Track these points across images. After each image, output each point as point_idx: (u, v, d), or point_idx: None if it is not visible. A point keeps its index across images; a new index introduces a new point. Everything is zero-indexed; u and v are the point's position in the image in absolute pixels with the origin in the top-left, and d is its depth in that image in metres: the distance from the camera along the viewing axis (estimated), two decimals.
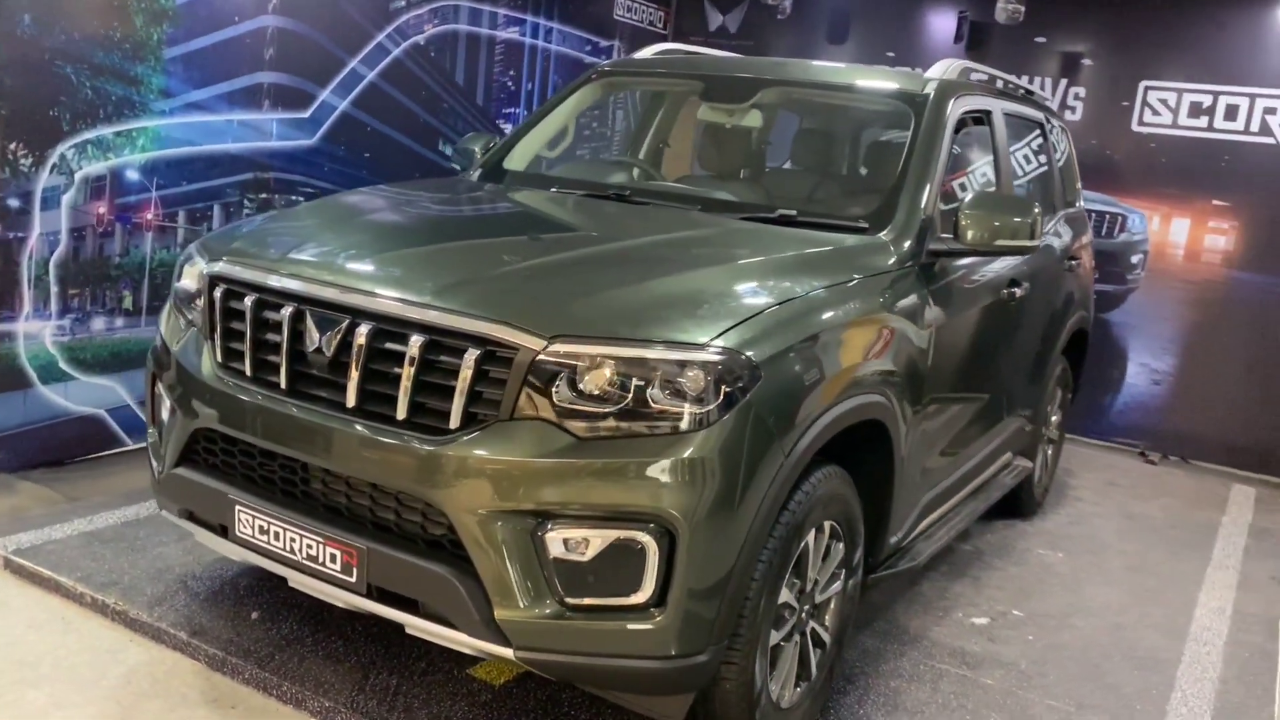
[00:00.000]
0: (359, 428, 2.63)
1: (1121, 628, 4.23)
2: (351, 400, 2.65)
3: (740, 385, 2.50)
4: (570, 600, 2.49)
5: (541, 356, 2.48)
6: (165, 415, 3.12)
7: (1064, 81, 7.38)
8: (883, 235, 3.43)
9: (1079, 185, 5.83)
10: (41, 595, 3.61)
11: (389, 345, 2.63)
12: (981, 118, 4.21)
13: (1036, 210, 3.52)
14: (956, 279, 3.74)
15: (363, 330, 2.63)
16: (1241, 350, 6.95)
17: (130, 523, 4.13)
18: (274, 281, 2.84)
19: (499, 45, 6.87)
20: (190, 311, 3.14)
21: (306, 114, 5.61)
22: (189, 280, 3.18)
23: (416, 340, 2.56)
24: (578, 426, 2.47)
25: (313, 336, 2.71)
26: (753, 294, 2.84)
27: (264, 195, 5.48)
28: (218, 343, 2.94)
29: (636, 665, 2.53)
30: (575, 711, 3.13)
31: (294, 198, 5.66)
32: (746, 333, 2.58)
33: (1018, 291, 4.23)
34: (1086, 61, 7.32)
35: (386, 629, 3.38)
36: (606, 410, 2.47)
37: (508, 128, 7.03)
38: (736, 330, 2.57)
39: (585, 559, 2.46)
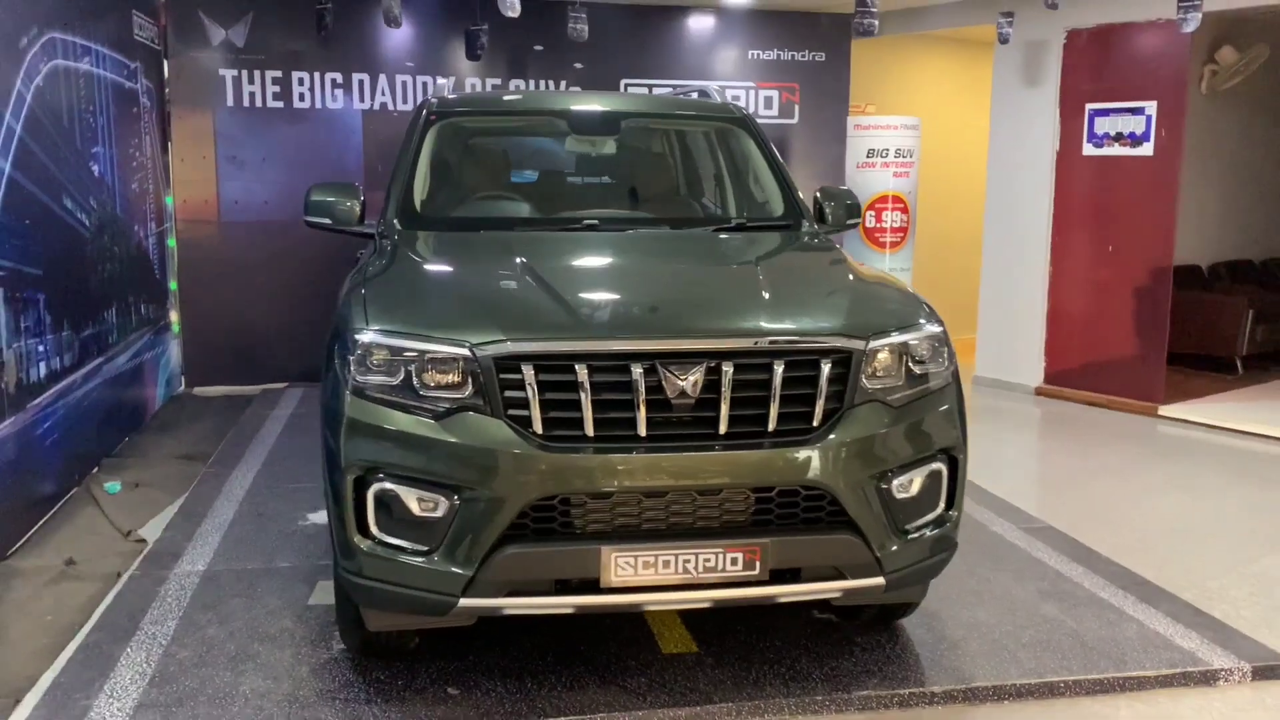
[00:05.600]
0: (741, 448, 3.12)
1: None
2: (724, 428, 3.11)
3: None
4: (907, 527, 3.35)
5: (865, 353, 3.26)
6: (439, 511, 3.04)
7: (563, 82, 8.75)
8: (805, 227, 4.53)
9: None
10: None
11: (749, 376, 3.14)
12: None
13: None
14: None
15: (727, 369, 3.09)
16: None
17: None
18: (614, 347, 3.10)
19: (80, 78, 6.04)
20: (417, 395, 3.10)
21: None
22: (389, 370, 3.11)
23: (779, 365, 3.14)
24: (894, 399, 3.31)
25: (673, 385, 3.07)
26: (880, 286, 3.83)
27: None
28: (535, 415, 3.05)
29: (945, 557, 3.48)
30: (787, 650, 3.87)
31: None
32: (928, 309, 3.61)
33: None
34: (578, 65, 8.76)
35: (555, 637, 3.72)
36: (899, 383, 3.34)
37: (95, 169, 6.24)
38: (927, 309, 3.58)
39: (912, 494, 3.34)
